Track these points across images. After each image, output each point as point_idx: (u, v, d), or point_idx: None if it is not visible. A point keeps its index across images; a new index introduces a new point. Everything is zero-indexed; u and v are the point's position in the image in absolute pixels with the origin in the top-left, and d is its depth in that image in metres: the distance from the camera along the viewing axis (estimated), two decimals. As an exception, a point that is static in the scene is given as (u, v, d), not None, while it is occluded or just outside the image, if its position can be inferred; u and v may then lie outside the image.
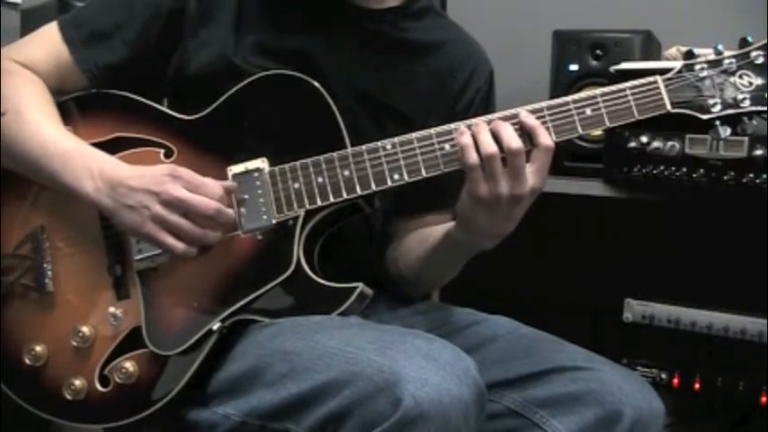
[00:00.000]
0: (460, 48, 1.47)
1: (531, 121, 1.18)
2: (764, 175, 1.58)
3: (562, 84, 1.87)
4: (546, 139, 1.17)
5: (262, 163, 1.26)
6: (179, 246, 1.22)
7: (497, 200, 1.17)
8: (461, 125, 1.20)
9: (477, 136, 1.17)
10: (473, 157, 1.16)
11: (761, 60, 1.17)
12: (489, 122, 1.18)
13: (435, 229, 1.38)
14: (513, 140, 1.16)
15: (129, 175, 1.23)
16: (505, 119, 1.19)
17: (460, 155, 1.17)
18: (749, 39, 1.18)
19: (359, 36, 1.37)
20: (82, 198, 1.24)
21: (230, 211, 1.23)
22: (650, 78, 1.19)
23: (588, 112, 1.19)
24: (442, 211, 1.45)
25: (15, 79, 1.31)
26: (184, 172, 1.22)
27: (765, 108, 1.17)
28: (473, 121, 1.20)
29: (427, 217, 1.45)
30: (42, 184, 1.30)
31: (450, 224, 1.30)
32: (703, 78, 1.18)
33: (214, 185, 1.23)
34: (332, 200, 1.24)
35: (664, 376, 1.81)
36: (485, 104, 1.46)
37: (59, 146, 1.26)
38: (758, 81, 1.17)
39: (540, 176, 1.17)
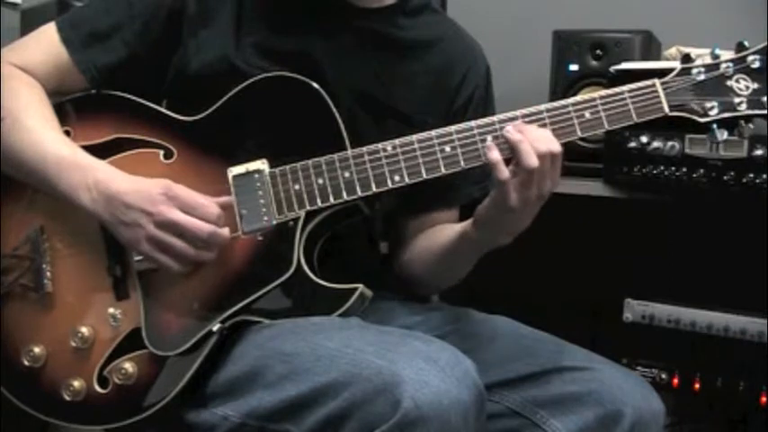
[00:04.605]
0: (456, 45, 1.46)
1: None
2: (764, 175, 1.57)
3: (562, 84, 1.86)
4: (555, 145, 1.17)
5: (262, 164, 1.26)
6: (173, 265, 1.22)
7: (525, 203, 1.17)
8: (502, 131, 1.19)
9: (517, 145, 1.16)
10: (506, 173, 1.17)
11: (757, 64, 1.17)
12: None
13: (447, 229, 1.39)
14: (554, 144, 1.16)
15: (123, 189, 1.22)
16: (505, 121, 1.19)
17: (495, 172, 1.17)
18: (746, 43, 1.19)
19: (358, 36, 1.37)
20: (79, 207, 1.24)
21: (225, 231, 1.23)
22: (648, 82, 1.20)
23: (587, 115, 1.20)
24: (448, 208, 1.46)
25: (13, 84, 1.31)
26: (180, 192, 1.22)
27: (762, 112, 1.17)
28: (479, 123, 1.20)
29: (434, 214, 1.45)
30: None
31: (465, 224, 1.30)
32: (701, 82, 1.19)
33: (210, 206, 1.22)
34: (332, 201, 1.24)
35: (664, 376, 1.80)
36: (484, 101, 1.46)
37: (56, 153, 1.25)
38: (755, 85, 1.18)
39: (558, 174, 1.19)
